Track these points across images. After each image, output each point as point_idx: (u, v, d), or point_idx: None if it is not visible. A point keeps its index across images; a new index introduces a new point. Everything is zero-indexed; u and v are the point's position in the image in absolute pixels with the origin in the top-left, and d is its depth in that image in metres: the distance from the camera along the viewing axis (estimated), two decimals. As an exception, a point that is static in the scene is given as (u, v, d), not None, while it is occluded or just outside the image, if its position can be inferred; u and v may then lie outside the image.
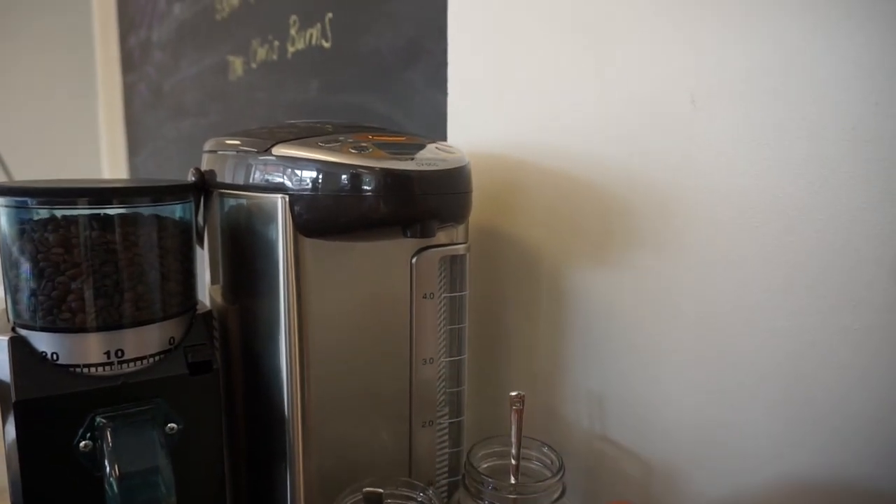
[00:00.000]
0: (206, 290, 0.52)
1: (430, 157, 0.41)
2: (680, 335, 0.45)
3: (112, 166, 2.60)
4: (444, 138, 0.64)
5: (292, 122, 0.53)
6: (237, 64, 1.16)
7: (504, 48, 0.56)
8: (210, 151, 0.49)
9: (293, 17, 0.93)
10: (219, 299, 0.50)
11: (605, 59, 0.48)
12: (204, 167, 0.49)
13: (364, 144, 0.40)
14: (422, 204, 0.39)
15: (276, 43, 0.99)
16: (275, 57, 1.00)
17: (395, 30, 0.71)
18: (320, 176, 0.39)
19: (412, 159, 0.39)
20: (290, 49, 0.95)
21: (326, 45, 0.84)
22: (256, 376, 0.46)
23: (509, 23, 0.55)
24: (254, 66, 1.09)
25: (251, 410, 0.48)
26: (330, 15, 0.83)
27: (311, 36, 0.88)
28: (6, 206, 0.39)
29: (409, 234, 0.40)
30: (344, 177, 0.38)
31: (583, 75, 0.49)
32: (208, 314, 0.46)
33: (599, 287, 0.51)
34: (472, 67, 0.60)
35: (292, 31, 0.93)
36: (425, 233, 0.40)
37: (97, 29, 2.67)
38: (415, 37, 0.68)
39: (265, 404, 0.45)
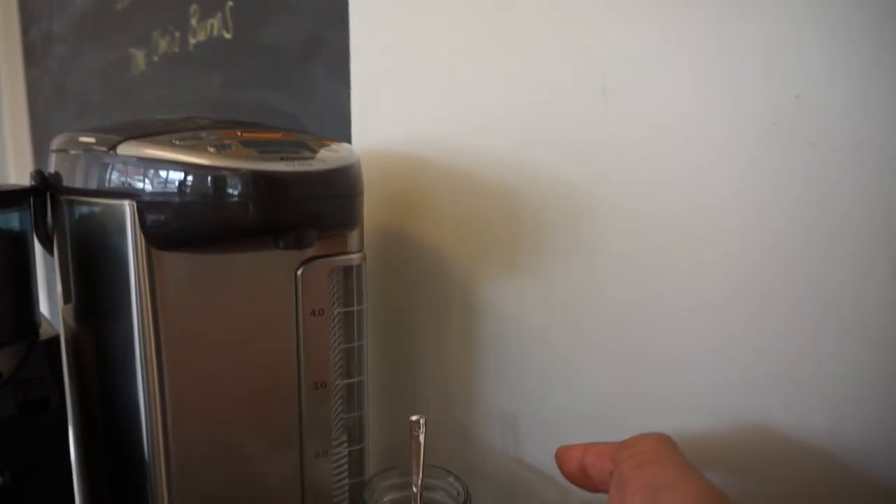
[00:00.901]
0: (59, 310, 0.44)
1: (307, 156, 0.35)
2: (593, 345, 0.41)
3: (18, 169, 2.41)
4: (349, 137, 0.59)
5: (165, 117, 0.47)
6: (139, 57, 1.07)
7: (410, 40, 0.51)
8: (58, 150, 0.42)
9: (194, 6, 0.85)
10: (71, 322, 0.43)
11: (512, 51, 0.43)
12: (51, 169, 0.42)
13: (227, 142, 0.34)
14: (293, 210, 0.34)
15: (178, 34, 0.91)
16: (176, 49, 0.92)
17: (296, 19, 0.65)
18: (172, 179, 0.33)
19: (282, 159, 0.34)
20: (192, 41, 0.87)
21: (228, 35, 0.77)
22: (113, 413, 0.39)
23: (414, 12, 0.51)
24: (156, 59, 1.00)
25: (111, 453, 0.41)
26: (231, 3, 0.76)
27: (213, 26, 0.81)
28: None
29: (281, 246, 0.35)
30: (200, 180, 0.33)
31: (491, 69, 0.45)
32: (53, 341, 0.39)
33: (509, 297, 0.46)
34: (376, 61, 0.55)
35: (193, 21, 0.86)
36: (300, 243, 0.34)
37: (-1, 21, 2.48)
38: (315, 27, 0.62)
39: (125, 446, 0.39)
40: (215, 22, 0.80)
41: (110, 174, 0.35)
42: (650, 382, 0.38)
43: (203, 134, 0.35)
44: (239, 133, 0.36)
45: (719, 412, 0.35)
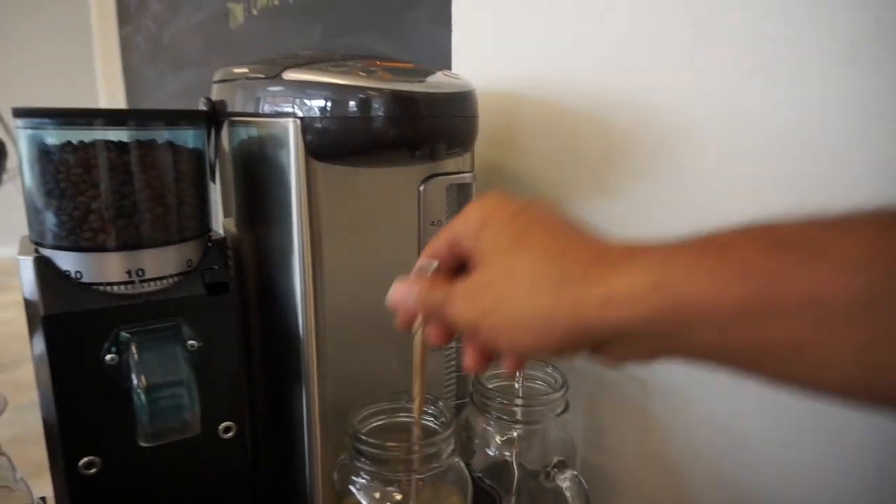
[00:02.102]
0: (220, 221, 0.53)
1: (437, 81, 0.42)
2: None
3: (112, 122, 2.58)
4: (449, 75, 0.64)
5: (299, 52, 0.54)
6: (237, 11, 1.15)
7: (509, -19, 0.56)
8: (220, 81, 0.50)
9: (294, -41, 0.92)
10: (232, 230, 0.51)
11: (610, -12, 0.48)
12: (214, 97, 0.49)
13: (373, 69, 0.41)
14: (430, 126, 0.40)
15: (278, -13, 0.98)
16: (276, 2, 0.99)
17: (399, -32, 0.70)
18: (331, 99, 0.40)
19: (420, 82, 0.40)
20: (292, -8, 0.94)
21: (329, -14, 0.84)
22: (271, 301, 0.47)
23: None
24: (255, 12, 1.08)
25: (266, 334, 0.50)
26: (332, -45, 0.82)
27: (314, -22, 0.87)
28: (25, 129, 0.40)
29: (417, 155, 0.41)
30: (354, 99, 0.39)
31: (586, 9, 0.50)
32: (223, 241, 0.47)
33: (600, 216, 0.52)
34: (475, 4, 0.60)
35: (294, -26, 0.93)
36: (433, 155, 0.41)
37: (91, -18, 2.62)
38: (418, -24, 0.67)
39: (280, 327, 0.47)
40: (317, -27, 0.87)
41: (275, 97, 0.42)
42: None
43: (349, 62, 0.42)
44: (378, 62, 0.43)
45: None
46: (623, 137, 0.49)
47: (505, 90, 0.59)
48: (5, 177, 0.77)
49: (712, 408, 0.46)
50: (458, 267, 0.31)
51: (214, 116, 0.48)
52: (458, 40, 0.63)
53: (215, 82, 0.50)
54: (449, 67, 0.64)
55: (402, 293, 0.31)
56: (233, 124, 0.48)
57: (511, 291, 0.26)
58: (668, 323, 0.22)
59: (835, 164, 0.37)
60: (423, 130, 0.40)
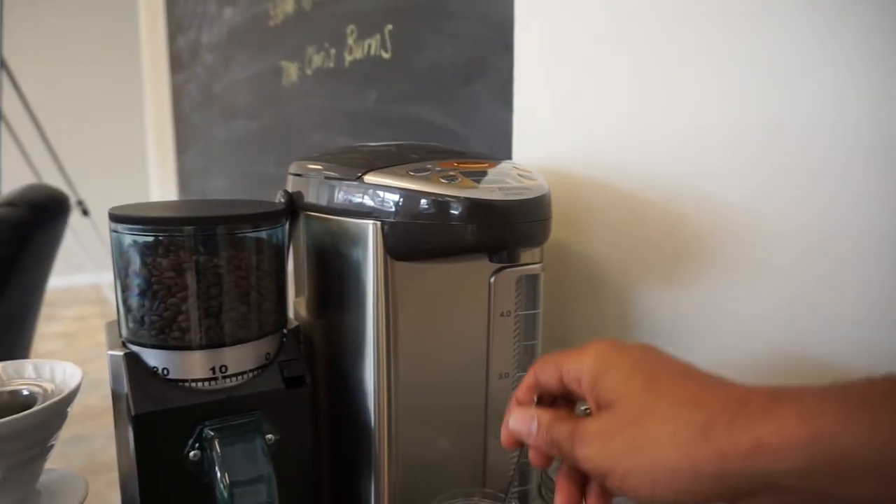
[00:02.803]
0: (291, 303, 0.54)
1: (514, 185, 0.42)
2: (749, 357, 0.46)
3: (160, 163, 2.67)
4: (509, 153, 0.66)
5: (370, 144, 0.55)
6: (291, 69, 1.19)
7: (572, 69, 0.57)
8: (295, 174, 0.51)
9: (350, 27, 0.95)
10: (303, 312, 0.52)
11: (678, 83, 0.49)
12: (290, 189, 0.51)
13: (452, 173, 0.42)
14: (509, 232, 0.41)
15: (333, 51, 1.01)
16: (331, 65, 1.03)
17: (458, 45, 0.72)
18: (412, 204, 0.41)
19: (499, 189, 0.41)
20: (348, 58, 0.97)
21: (386, 55, 0.86)
22: (341, 387, 0.48)
23: (577, 42, 0.57)
24: (308, 72, 1.11)
25: (334, 421, 0.50)
26: (390, 27, 0.85)
27: (370, 46, 0.90)
28: (120, 232, 0.42)
29: (495, 260, 0.42)
30: (435, 205, 0.40)
31: (654, 98, 0.50)
32: (297, 330, 0.48)
33: (666, 305, 0.52)
34: (538, 86, 0.62)
35: (350, 41, 0.96)
36: (511, 259, 0.42)
37: (143, 30, 2.74)
38: (477, 53, 0.69)
39: (350, 413, 0.48)
40: (373, 42, 0.89)
41: (356, 197, 0.44)
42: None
43: (429, 165, 0.43)
44: (456, 164, 0.44)
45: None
46: (692, 228, 0.49)
47: (566, 171, 0.59)
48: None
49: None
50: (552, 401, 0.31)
51: (292, 209, 0.49)
52: (519, 119, 0.64)
53: (291, 174, 0.52)
54: (509, 143, 0.66)
55: (524, 421, 0.32)
56: (308, 216, 0.49)
57: (650, 437, 0.26)
58: (824, 475, 0.22)
59: (922, 279, 0.37)
60: (501, 236, 0.41)
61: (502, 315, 0.48)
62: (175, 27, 2.14)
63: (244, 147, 1.51)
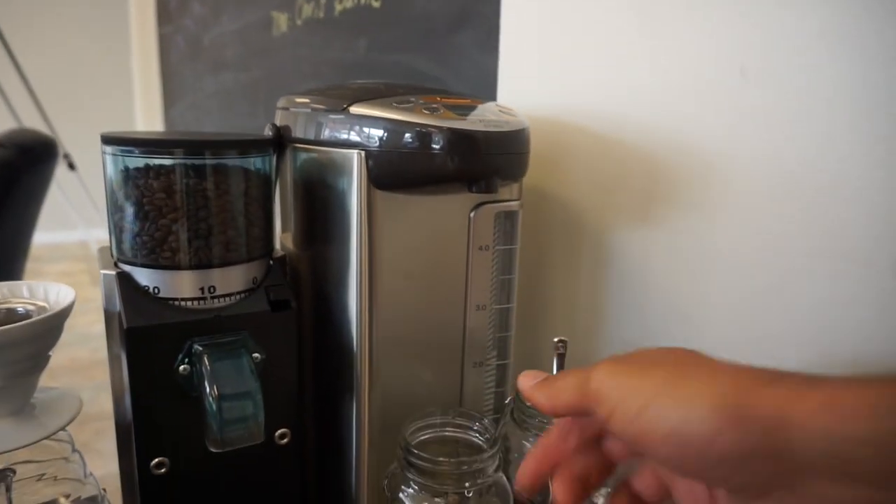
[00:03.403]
0: (278, 238, 0.56)
1: (494, 118, 0.44)
2: (714, 291, 0.49)
3: (147, 117, 2.64)
4: (494, 99, 0.67)
5: (358, 81, 0.57)
6: (281, 20, 1.18)
7: (556, 16, 0.59)
8: (283, 108, 0.53)
9: (341, -24, 0.95)
10: (290, 245, 0.54)
11: (656, 30, 0.50)
12: (278, 122, 0.52)
13: (434, 105, 0.44)
14: (487, 162, 0.43)
15: (323, 1, 1.01)
16: (321, 14, 1.02)
17: (447, -8, 0.73)
18: (395, 134, 0.43)
19: (479, 121, 0.43)
20: (338, 7, 0.97)
21: (376, 4, 0.87)
22: (325, 315, 0.50)
23: (563, -11, 0.58)
24: (299, 22, 1.11)
25: (318, 346, 0.53)
26: (380, -26, 0.85)
27: (360, -5, 0.90)
28: (113, 155, 0.43)
29: (474, 190, 0.44)
30: (417, 135, 0.42)
31: (633, 45, 0.52)
32: (283, 258, 0.50)
33: (638, 245, 0.54)
34: (524, 33, 0.63)
35: (340, -10, 0.96)
36: (489, 188, 0.43)
37: (131, -21, 2.68)
38: (464, 2, 0.70)
39: (333, 341, 0.50)
40: (363, -9, 0.89)
41: (341, 129, 0.45)
42: (764, 326, 0.46)
43: (412, 98, 0.45)
44: (438, 98, 0.45)
45: (831, 352, 0.42)
46: (666, 170, 0.51)
47: (549, 117, 0.61)
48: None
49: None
50: None
51: (280, 142, 0.51)
52: (504, 66, 0.65)
53: (279, 108, 0.53)
54: (494, 91, 0.67)
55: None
56: (295, 150, 0.51)
57: (688, 383, 0.25)
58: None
59: (875, 210, 0.39)
60: (480, 166, 0.43)
61: (481, 249, 0.50)
62: (163, -23, 2.10)
63: (234, 100, 1.51)
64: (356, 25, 0.92)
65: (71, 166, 2.47)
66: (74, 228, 3.02)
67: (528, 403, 0.35)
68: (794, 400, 0.22)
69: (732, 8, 0.45)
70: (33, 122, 2.38)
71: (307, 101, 0.51)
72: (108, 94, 3.81)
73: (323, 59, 1.04)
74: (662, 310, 0.53)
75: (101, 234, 2.95)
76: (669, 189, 0.51)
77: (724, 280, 0.48)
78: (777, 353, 0.45)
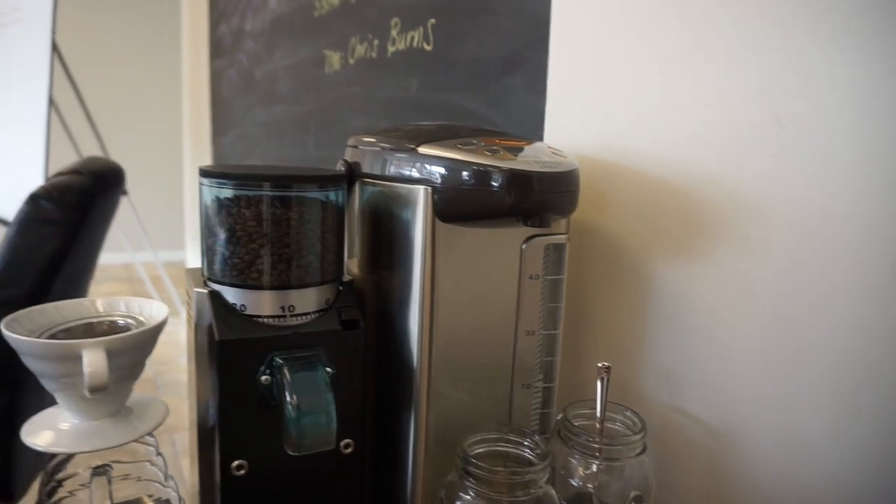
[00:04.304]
0: (344, 263, 0.61)
1: (547, 159, 0.49)
2: (748, 320, 0.52)
3: (195, 146, 2.76)
4: (541, 139, 0.72)
5: (417, 123, 0.62)
6: (334, 58, 1.26)
7: (600, 62, 0.64)
8: (352, 146, 0.58)
9: (395, 20, 1.02)
10: (355, 269, 0.59)
11: (698, 77, 0.54)
12: (348, 158, 0.58)
13: (494, 147, 0.48)
14: (541, 199, 0.48)
15: (376, 42, 1.08)
16: (374, 55, 1.09)
17: (497, 39, 0.78)
18: (460, 172, 0.47)
19: (535, 161, 0.47)
20: (390, 48, 1.04)
21: (428, 47, 0.93)
22: (387, 335, 0.55)
23: (606, 39, 0.63)
24: (351, 61, 1.18)
25: (379, 364, 0.57)
26: (433, 21, 0.91)
27: (413, 38, 0.97)
28: (210, 186, 0.49)
29: (528, 224, 0.48)
30: (480, 174, 0.47)
31: (673, 91, 0.56)
32: (351, 283, 0.55)
33: (678, 276, 0.58)
34: (570, 78, 0.68)
35: (393, 33, 1.02)
36: (543, 223, 0.48)
37: (185, 18, 2.83)
38: (515, 46, 0.75)
39: (394, 359, 0.54)
40: (416, 34, 0.96)
41: (410, 166, 0.50)
42: (795, 353, 0.49)
43: (474, 140, 0.50)
44: (497, 140, 0.50)
45: (868, 378, 0.45)
46: (704, 207, 0.55)
47: (592, 155, 0.66)
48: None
49: (771, 453, 0.51)
50: None
51: (351, 177, 0.56)
52: (551, 108, 0.70)
53: (349, 146, 0.58)
54: (541, 130, 0.72)
55: None
56: (363, 183, 0.56)
57: None
58: None
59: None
60: (535, 203, 0.47)
61: (531, 278, 0.55)
62: (217, 15, 2.22)
63: (283, 131, 1.59)
64: (408, 66, 0.99)
65: (123, 191, 2.58)
66: (121, 251, 3.14)
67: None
68: None
69: (770, 56, 0.49)
70: (89, 147, 2.51)
71: (375, 140, 0.56)
72: (158, 122, 3.99)
73: (374, 96, 1.10)
74: (700, 337, 0.56)
75: (146, 257, 3.07)
76: (708, 225, 0.55)
77: (758, 310, 0.51)
78: (805, 379, 0.48)
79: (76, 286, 1.07)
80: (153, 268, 3.38)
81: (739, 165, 0.52)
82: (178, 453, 1.81)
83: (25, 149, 2.06)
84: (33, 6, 2.10)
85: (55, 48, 2.02)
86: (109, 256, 3.56)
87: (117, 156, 2.72)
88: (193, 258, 2.95)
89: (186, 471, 0.57)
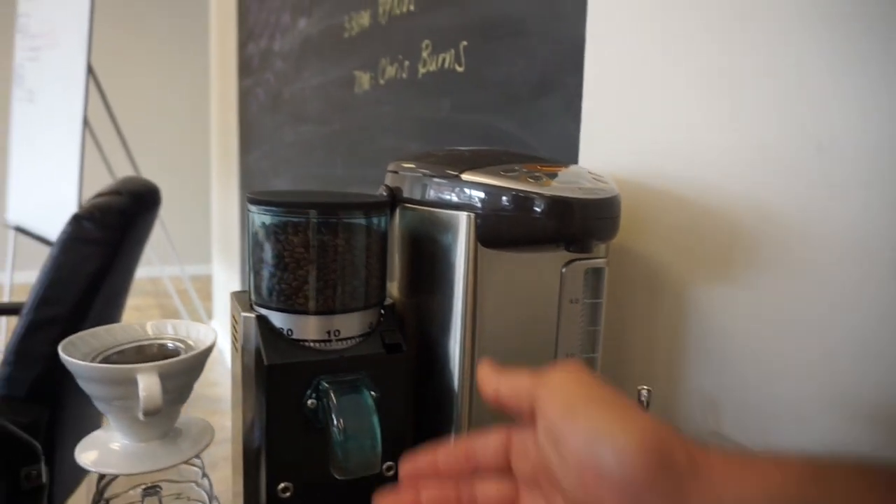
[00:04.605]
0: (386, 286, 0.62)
1: (590, 186, 0.49)
2: (791, 346, 0.52)
3: (222, 163, 2.81)
4: (575, 161, 0.72)
5: (456, 148, 0.63)
6: (364, 79, 1.28)
7: (638, 85, 0.64)
8: (392, 171, 0.59)
9: (426, 41, 1.03)
10: (394, 292, 0.60)
11: (737, 102, 0.55)
12: (389, 184, 0.59)
13: (537, 174, 0.49)
14: (583, 225, 0.48)
15: (407, 63, 1.10)
16: (404, 75, 1.11)
17: (530, 61, 0.79)
18: (504, 199, 0.48)
19: (578, 188, 0.48)
20: (421, 70, 1.05)
21: (460, 69, 0.94)
22: (428, 358, 0.55)
23: (643, 61, 0.63)
24: (381, 82, 1.20)
25: (420, 387, 0.58)
26: (465, 43, 0.93)
27: (445, 60, 0.98)
28: (258, 213, 0.50)
29: (571, 250, 0.49)
30: (524, 201, 0.48)
31: (711, 114, 0.57)
32: (393, 306, 0.56)
33: (718, 301, 0.58)
34: (604, 101, 0.68)
35: (424, 54, 1.04)
36: (585, 249, 0.48)
37: (213, 37, 2.89)
38: (549, 69, 0.76)
39: (436, 382, 0.55)
40: (447, 56, 0.97)
41: (453, 192, 0.51)
42: (839, 380, 0.48)
43: (516, 166, 0.50)
44: (539, 166, 0.51)
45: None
46: (745, 232, 0.55)
47: (628, 178, 0.66)
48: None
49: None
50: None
51: (394, 203, 0.57)
52: (585, 131, 0.71)
53: (389, 171, 0.60)
54: (575, 153, 0.72)
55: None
56: (404, 208, 0.57)
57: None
58: None
59: (951, 280, 0.42)
60: (577, 229, 0.48)
61: (571, 302, 0.55)
62: (246, 35, 2.27)
63: (312, 150, 1.62)
64: (439, 87, 1.00)
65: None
66: (149, 265, 3.20)
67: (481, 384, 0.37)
68: (713, 458, 0.26)
69: (812, 80, 0.49)
70: (121, 165, 2.57)
71: (415, 165, 0.57)
72: (186, 139, 4.07)
73: (405, 116, 1.12)
74: (741, 363, 0.56)
75: (173, 271, 3.12)
76: (750, 249, 0.55)
77: (803, 336, 0.51)
78: (853, 408, 0.48)
79: (115, 304, 1.09)
80: (180, 281, 3.43)
81: (781, 190, 0.52)
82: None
83: (62, 167, 2.11)
84: (68, 30, 2.16)
85: (90, 70, 2.07)
86: (138, 270, 3.63)
87: (146, 171, 2.78)
88: (219, 272, 2.99)
89: (217, 488, 0.58)
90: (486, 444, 0.35)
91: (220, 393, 2.30)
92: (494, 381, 0.35)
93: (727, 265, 0.57)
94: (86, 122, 2.06)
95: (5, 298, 2.78)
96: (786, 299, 0.52)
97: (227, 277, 2.80)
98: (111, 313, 1.08)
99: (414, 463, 0.35)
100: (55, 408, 0.91)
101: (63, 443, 0.85)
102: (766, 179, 0.53)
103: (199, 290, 3.10)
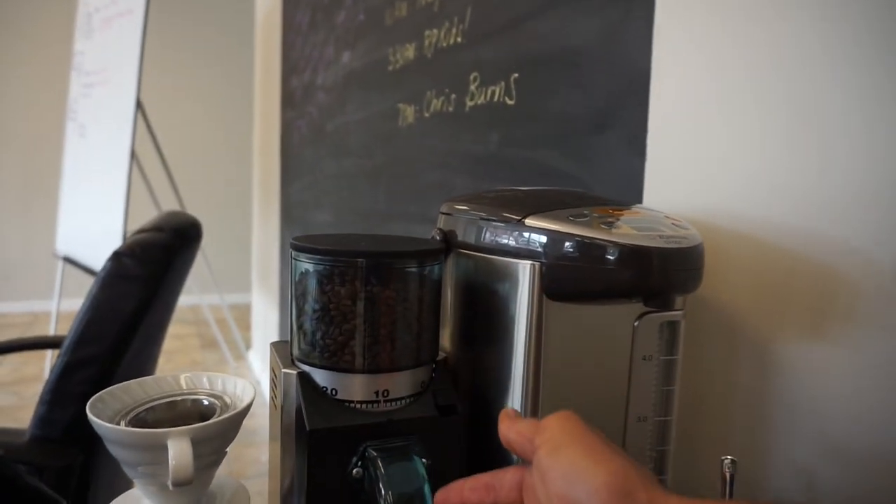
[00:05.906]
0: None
1: (670, 233, 0.44)
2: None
3: (264, 194, 2.83)
4: (639, 201, 0.67)
5: (514, 188, 0.58)
6: (408, 112, 1.25)
7: (709, 121, 0.59)
8: (446, 213, 0.55)
9: (474, 74, 1.00)
10: (446, 344, 0.55)
11: (826, 139, 0.49)
12: (442, 226, 0.55)
13: (610, 219, 0.44)
14: (664, 278, 0.43)
15: (453, 96, 1.07)
16: (450, 108, 1.08)
17: (586, 94, 0.75)
18: (574, 249, 0.43)
19: (658, 236, 0.43)
20: (469, 103, 1.02)
21: (510, 102, 0.90)
22: (484, 418, 0.50)
23: (716, 95, 0.58)
24: (427, 115, 1.17)
25: (474, 450, 0.52)
26: (516, 75, 0.89)
27: (494, 93, 0.94)
28: (302, 261, 0.46)
29: (651, 305, 0.43)
30: (597, 251, 0.42)
31: (798, 152, 0.51)
32: (445, 360, 0.51)
33: (811, 360, 0.51)
34: (674, 134, 0.63)
35: (472, 87, 1.00)
36: (667, 305, 0.43)
37: (258, 71, 2.95)
38: (608, 101, 0.71)
39: (492, 445, 0.49)
40: (497, 89, 0.94)
41: (515, 238, 0.46)
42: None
43: (585, 211, 0.45)
44: (611, 210, 0.46)
45: None
46: (842, 284, 0.49)
47: (700, 220, 0.60)
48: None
49: None
50: None
51: (448, 248, 0.53)
52: (651, 169, 0.66)
53: (442, 213, 0.55)
54: (639, 193, 0.67)
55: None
56: (458, 254, 0.52)
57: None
58: None
59: None
60: (657, 282, 0.42)
61: (644, 359, 0.49)
62: (289, 69, 2.29)
63: (355, 182, 1.59)
64: (488, 120, 0.96)
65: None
66: (189, 293, 3.23)
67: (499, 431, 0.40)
68: (671, 501, 0.32)
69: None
70: (166, 196, 2.61)
71: (470, 208, 0.53)
72: (229, 171, 4.14)
73: (451, 149, 1.08)
74: (844, 431, 0.49)
75: (213, 300, 3.13)
76: (843, 301, 0.49)
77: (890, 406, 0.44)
78: None
79: (154, 340, 1.07)
80: (219, 310, 3.45)
81: (874, 236, 0.46)
82: None
83: (109, 199, 2.15)
84: (120, 67, 2.22)
85: (139, 105, 2.11)
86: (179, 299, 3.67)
87: (190, 201, 2.81)
88: (259, 301, 2.99)
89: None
90: (504, 478, 0.39)
91: (255, 424, 2.26)
92: (505, 428, 0.39)
93: (821, 318, 0.51)
94: (133, 156, 2.10)
95: (52, 326, 2.83)
96: (890, 358, 0.46)
97: (266, 307, 2.79)
98: (150, 350, 1.06)
99: (447, 493, 0.41)
100: (89, 452, 0.88)
101: (96, 491, 0.82)
102: (859, 222, 0.47)
103: (238, 319, 3.11)
